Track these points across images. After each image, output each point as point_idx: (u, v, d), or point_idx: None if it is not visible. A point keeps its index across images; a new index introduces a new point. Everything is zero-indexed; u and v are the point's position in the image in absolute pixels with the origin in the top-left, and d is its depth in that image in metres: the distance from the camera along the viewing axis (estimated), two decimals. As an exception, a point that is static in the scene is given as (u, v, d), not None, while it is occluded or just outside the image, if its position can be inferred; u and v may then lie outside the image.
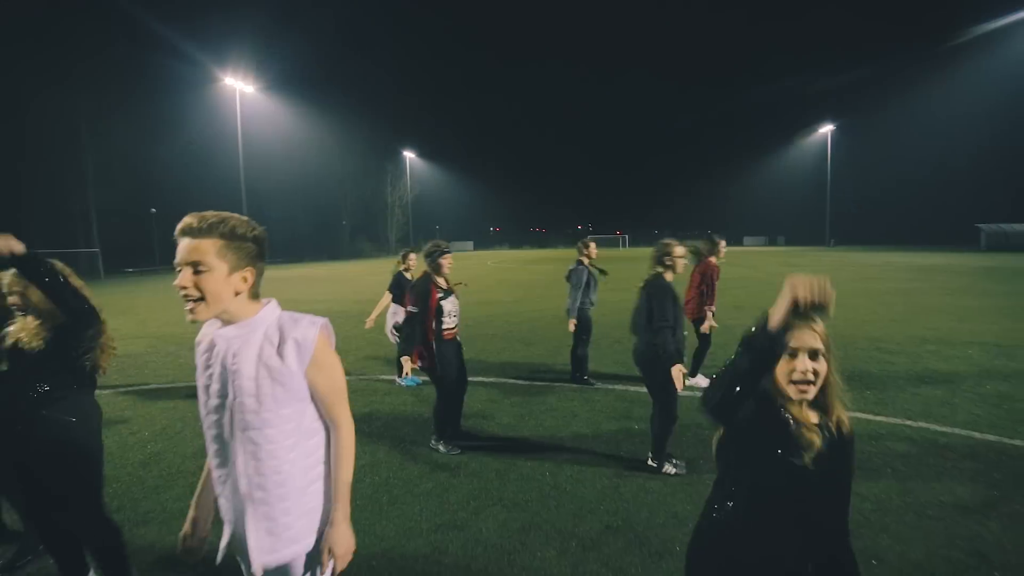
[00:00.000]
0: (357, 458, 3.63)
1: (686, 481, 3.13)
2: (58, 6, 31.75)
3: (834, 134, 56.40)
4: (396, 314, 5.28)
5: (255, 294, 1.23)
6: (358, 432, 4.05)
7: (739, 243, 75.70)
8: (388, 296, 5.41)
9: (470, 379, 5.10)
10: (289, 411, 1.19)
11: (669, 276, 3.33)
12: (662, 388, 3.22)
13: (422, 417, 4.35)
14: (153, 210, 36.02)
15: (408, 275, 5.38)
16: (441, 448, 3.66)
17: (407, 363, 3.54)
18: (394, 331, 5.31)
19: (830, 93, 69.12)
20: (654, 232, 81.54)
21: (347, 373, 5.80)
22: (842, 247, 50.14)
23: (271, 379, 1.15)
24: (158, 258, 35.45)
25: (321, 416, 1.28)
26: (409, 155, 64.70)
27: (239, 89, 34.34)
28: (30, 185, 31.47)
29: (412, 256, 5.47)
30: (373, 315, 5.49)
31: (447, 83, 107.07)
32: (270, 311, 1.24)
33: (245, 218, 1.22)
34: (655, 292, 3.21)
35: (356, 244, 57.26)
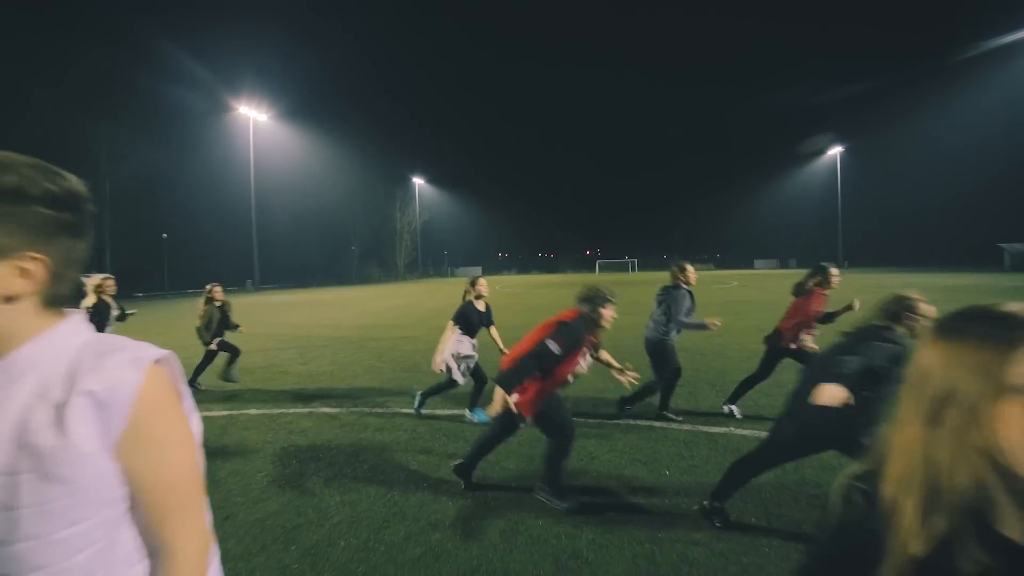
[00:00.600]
0: (334, 513, 3.13)
1: (738, 548, 2.50)
2: (75, 31, 32.99)
3: (843, 154, 56.19)
4: (460, 343, 4.59)
5: (54, 299, 0.67)
6: (341, 477, 3.38)
7: (750, 266, 74.90)
8: (452, 328, 4.60)
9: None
10: (78, 531, 0.61)
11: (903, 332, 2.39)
12: (808, 442, 2.45)
13: (416, 459, 3.77)
14: (164, 235, 36.41)
15: (478, 304, 4.75)
16: (562, 505, 2.94)
17: (504, 398, 2.76)
18: (452, 364, 4.55)
19: (838, 112, 69.18)
20: (663, 256, 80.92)
21: (337, 403, 5.32)
22: (855, 269, 49.13)
23: (38, 475, 0.59)
24: (167, 283, 35.59)
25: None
26: (418, 181, 65.56)
27: (252, 118, 35.28)
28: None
29: (482, 283, 4.86)
30: (441, 353, 4.54)
31: (456, 110, 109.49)
32: (64, 337, 0.66)
33: (34, 161, 0.67)
34: (882, 350, 2.29)
35: (365, 269, 57.44)
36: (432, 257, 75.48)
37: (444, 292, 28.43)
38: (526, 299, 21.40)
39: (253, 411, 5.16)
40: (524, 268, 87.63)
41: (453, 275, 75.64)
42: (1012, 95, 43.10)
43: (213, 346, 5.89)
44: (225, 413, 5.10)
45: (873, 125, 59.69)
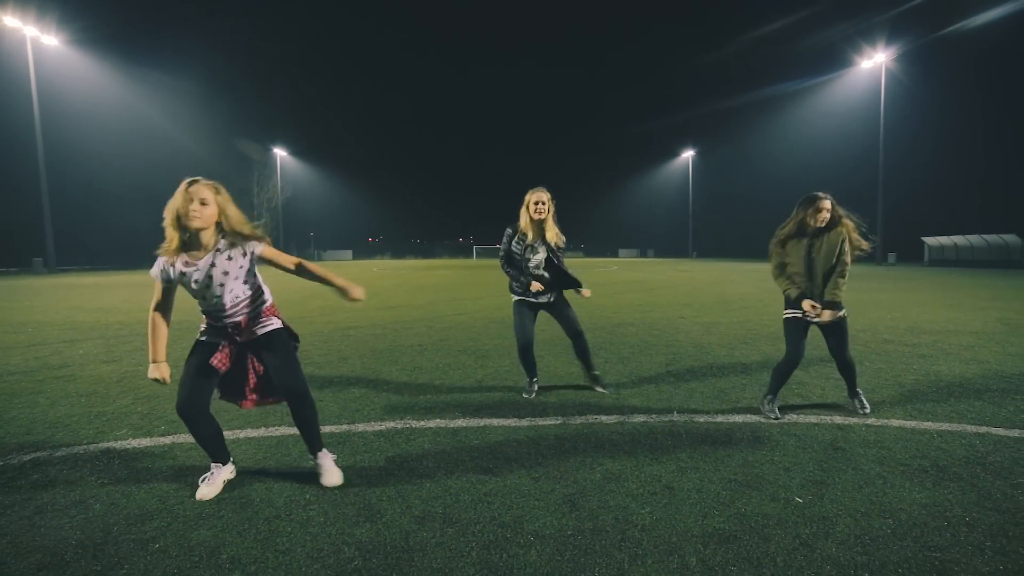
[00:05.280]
0: None
1: None
2: None
3: (695, 159, 63.62)
4: None
5: None
6: None
7: (615, 254, 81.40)
8: None
9: (416, 423, 2.97)
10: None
11: None
12: None
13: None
14: None
15: None
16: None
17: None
18: None
19: (692, 123, 78.08)
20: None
21: (163, 424, 3.08)
22: (703, 258, 56.24)
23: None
24: None
25: None
26: (280, 152, 57.41)
27: (30, 37, 24.73)
28: None
29: None
30: None
31: (324, 80, 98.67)
32: None
33: None
34: None
35: (211, 250, 48.40)
36: (296, 239, 67.32)
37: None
38: (413, 279, 19.44)
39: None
40: (398, 253, 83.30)
41: (320, 259, 68.63)
42: (810, 128, 53.49)
43: None
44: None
45: (717, 137, 68.69)
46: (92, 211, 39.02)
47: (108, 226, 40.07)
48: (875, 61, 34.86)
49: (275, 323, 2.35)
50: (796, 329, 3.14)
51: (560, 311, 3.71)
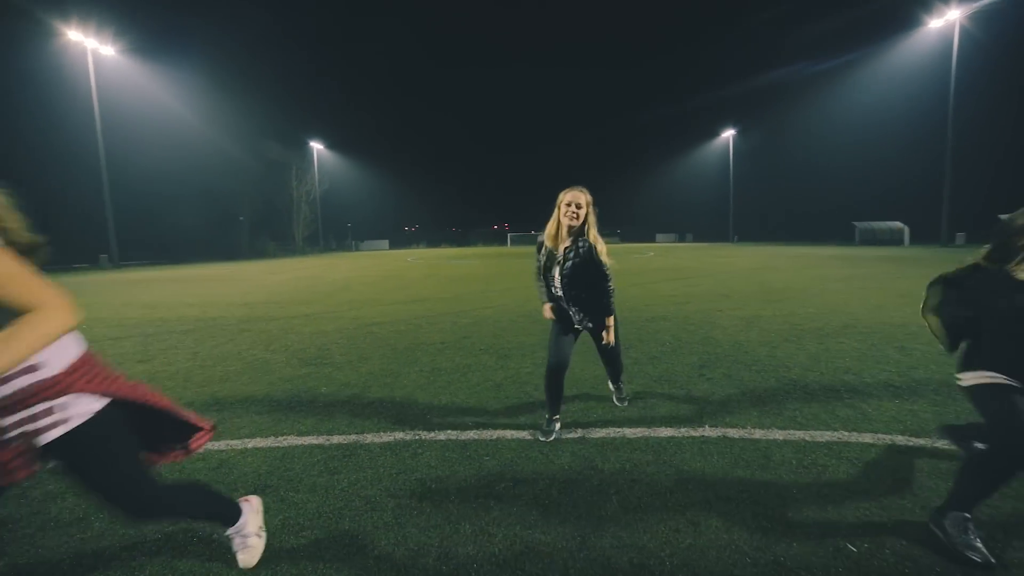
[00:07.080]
0: None
1: None
2: None
3: (735, 139, 60.53)
4: None
5: None
6: None
7: (652, 239, 79.27)
8: None
9: (426, 436, 2.78)
10: None
11: None
12: None
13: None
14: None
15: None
16: None
17: None
18: None
19: (733, 100, 74.48)
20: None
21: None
22: (744, 243, 53.75)
23: None
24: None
25: None
26: (317, 146, 58.81)
27: (91, 49, 26.97)
28: None
29: None
30: None
31: (359, 72, 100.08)
32: None
33: None
34: None
35: (257, 243, 50.49)
36: (334, 230, 69.20)
37: (350, 265, 25.36)
38: (445, 270, 19.46)
39: None
40: (433, 242, 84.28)
41: (358, 249, 70.36)
42: (867, 100, 49.53)
43: None
44: None
45: (759, 118, 65.03)
46: (150, 209, 41.34)
47: (165, 222, 42.44)
48: (947, 19, 31.67)
49: (66, 415, 1.29)
50: (1007, 395, 1.82)
51: (601, 334, 2.99)
